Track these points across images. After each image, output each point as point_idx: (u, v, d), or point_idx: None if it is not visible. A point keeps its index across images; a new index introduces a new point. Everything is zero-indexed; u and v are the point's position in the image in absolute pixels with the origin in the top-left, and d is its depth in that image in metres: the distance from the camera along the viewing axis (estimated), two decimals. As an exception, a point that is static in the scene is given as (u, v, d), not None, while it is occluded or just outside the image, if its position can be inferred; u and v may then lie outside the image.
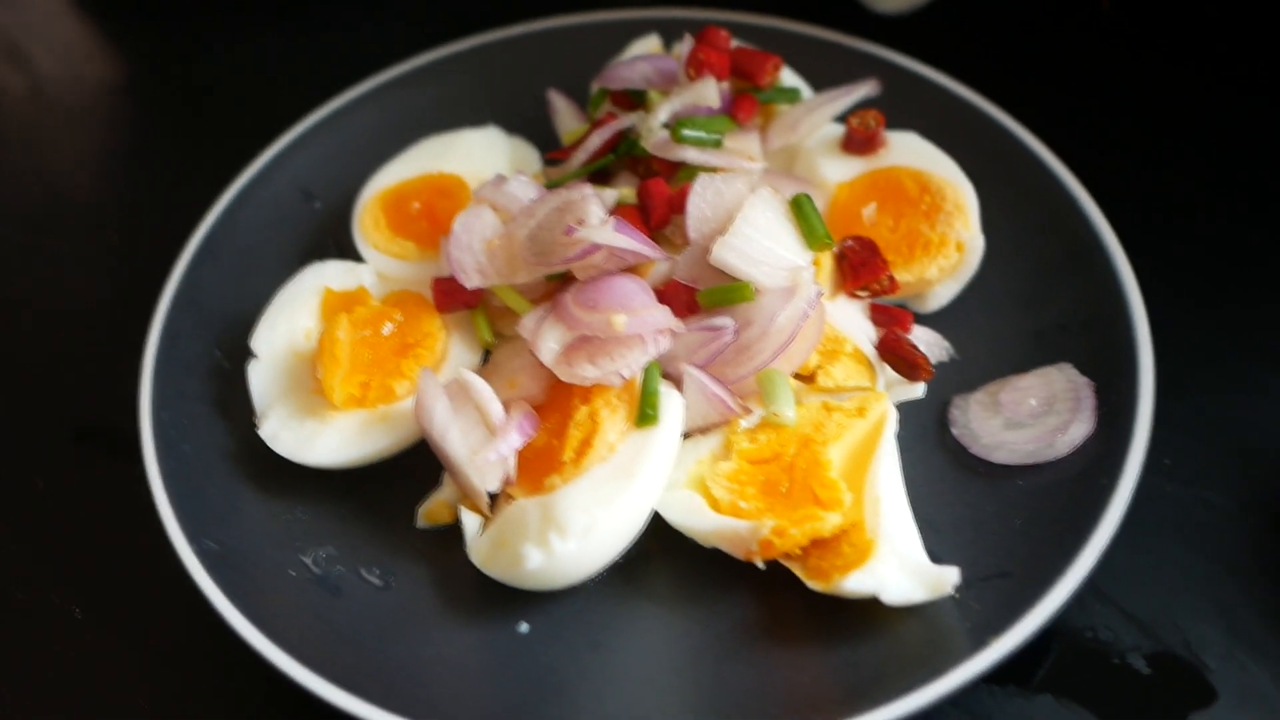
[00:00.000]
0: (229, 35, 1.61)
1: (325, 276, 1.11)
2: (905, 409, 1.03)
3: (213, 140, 1.44)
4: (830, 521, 0.89)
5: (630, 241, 0.97)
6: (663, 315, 0.94)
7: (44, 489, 1.09)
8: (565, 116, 1.26)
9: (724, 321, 0.96)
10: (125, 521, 1.03)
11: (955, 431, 1.01)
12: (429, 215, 1.15)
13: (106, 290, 1.28)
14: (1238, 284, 1.18)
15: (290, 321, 1.08)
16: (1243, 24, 1.46)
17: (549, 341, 0.95)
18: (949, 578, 0.87)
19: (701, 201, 1.01)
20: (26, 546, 1.05)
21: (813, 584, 0.89)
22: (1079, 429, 0.97)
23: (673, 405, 0.94)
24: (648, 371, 0.93)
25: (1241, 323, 1.14)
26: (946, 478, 0.99)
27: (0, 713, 0.95)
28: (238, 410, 1.05)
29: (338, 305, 1.08)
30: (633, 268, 1.00)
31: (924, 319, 1.10)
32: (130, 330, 1.11)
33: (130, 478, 1.01)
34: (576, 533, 0.88)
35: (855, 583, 0.86)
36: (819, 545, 0.90)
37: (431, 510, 0.99)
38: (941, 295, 1.10)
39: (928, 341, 1.07)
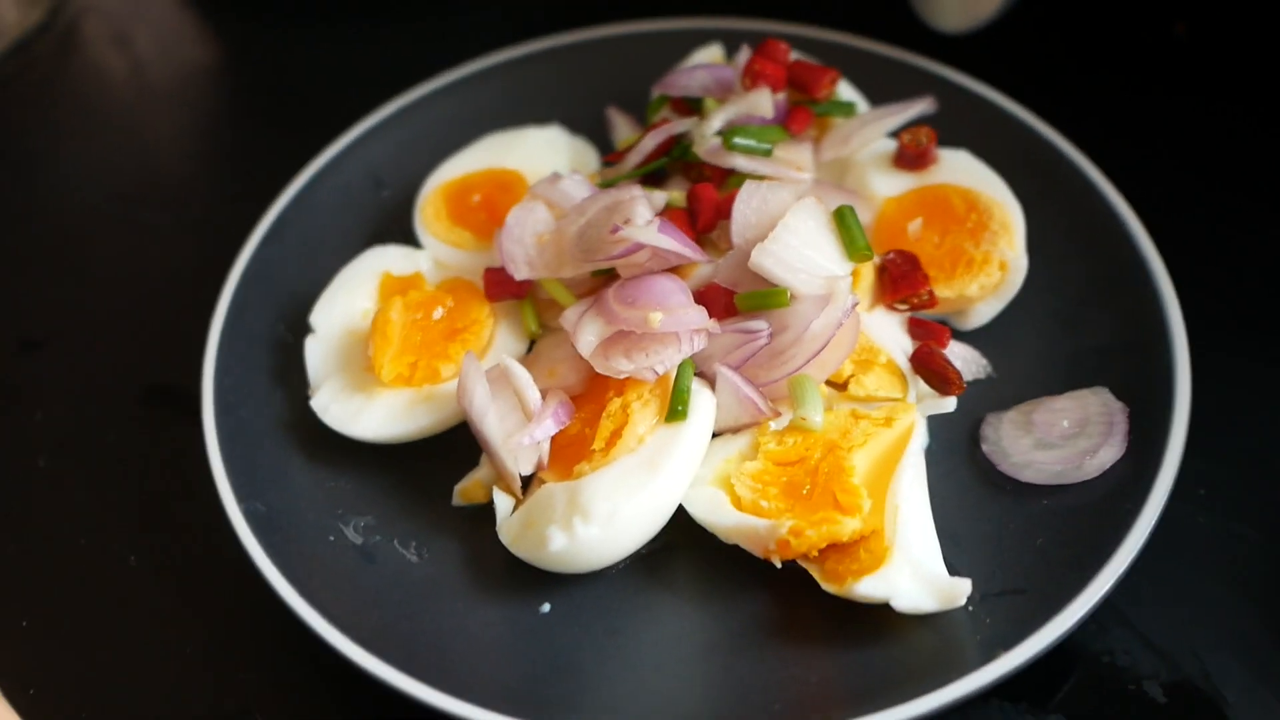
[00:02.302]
0: (318, 26, 1.65)
1: (385, 260, 1.14)
2: (937, 423, 1.02)
3: (296, 124, 1.47)
4: (848, 526, 0.89)
5: (672, 243, 0.98)
6: (699, 315, 0.96)
7: (112, 442, 1.14)
8: (622, 130, 1.27)
9: (759, 325, 0.97)
10: (183, 478, 1.09)
11: (985, 448, 1.00)
12: (488, 207, 1.17)
13: (185, 261, 1.32)
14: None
15: (349, 301, 1.11)
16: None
17: (588, 334, 0.97)
18: (961, 589, 0.87)
19: (746, 208, 1.01)
20: (94, 495, 1.10)
21: (827, 586, 0.90)
22: (1109, 453, 0.95)
23: (703, 403, 0.95)
24: (681, 368, 0.95)
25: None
26: (973, 493, 0.98)
27: (54, 644, 1.00)
28: (294, 381, 1.08)
29: (394, 288, 1.11)
30: (676, 269, 1.01)
31: (963, 336, 1.09)
32: (204, 300, 1.14)
33: (191, 438, 1.04)
34: (599, 519, 0.89)
35: (867, 587, 0.86)
36: (837, 549, 0.90)
37: (467, 489, 1.01)
38: (983, 313, 1.09)
39: (965, 358, 1.06)
